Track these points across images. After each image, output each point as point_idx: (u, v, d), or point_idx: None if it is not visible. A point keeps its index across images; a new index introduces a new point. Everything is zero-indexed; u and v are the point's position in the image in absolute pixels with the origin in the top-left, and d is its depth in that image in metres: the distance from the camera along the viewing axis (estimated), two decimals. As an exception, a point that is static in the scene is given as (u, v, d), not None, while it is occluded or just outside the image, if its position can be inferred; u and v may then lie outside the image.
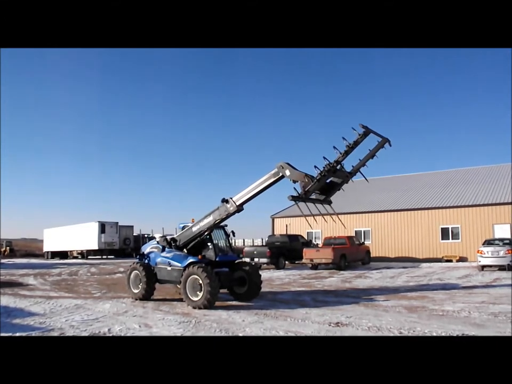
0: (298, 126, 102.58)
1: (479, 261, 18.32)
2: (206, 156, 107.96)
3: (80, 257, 38.80)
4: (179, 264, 10.50)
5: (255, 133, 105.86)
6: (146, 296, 11.02)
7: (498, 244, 18.63)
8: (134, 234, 39.73)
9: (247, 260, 20.48)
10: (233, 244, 13.17)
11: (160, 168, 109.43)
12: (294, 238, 24.41)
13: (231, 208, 10.11)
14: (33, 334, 7.28)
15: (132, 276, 11.38)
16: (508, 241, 18.96)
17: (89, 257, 37.62)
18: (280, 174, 9.60)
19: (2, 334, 7.12)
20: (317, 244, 26.81)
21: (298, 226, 30.53)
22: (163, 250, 11.22)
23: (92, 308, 10.01)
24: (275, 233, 30.41)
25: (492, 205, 24.40)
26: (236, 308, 9.68)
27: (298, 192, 9.47)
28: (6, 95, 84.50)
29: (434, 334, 6.79)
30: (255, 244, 43.71)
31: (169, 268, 10.82)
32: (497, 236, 22.83)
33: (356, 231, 28.32)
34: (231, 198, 10.17)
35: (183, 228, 11.29)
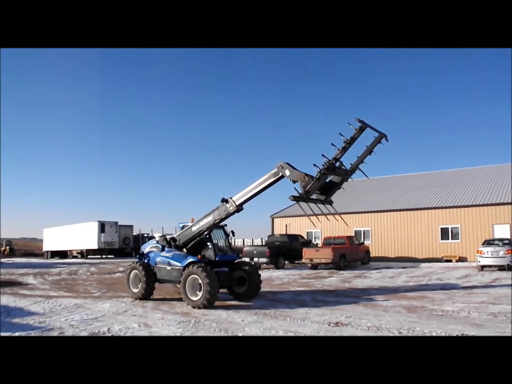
0: (298, 126, 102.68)
1: (479, 261, 18.32)
2: (206, 156, 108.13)
3: (79, 256, 38.77)
4: (179, 264, 10.50)
5: (255, 133, 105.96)
6: (146, 295, 11.02)
7: (498, 244, 18.63)
8: (134, 233, 39.73)
9: (247, 259, 20.47)
10: (232, 244, 13.18)
11: (160, 168, 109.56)
12: (294, 237, 24.41)
13: (231, 208, 10.11)
14: (33, 333, 7.29)
15: (131, 275, 11.38)
16: (507, 242, 18.97)
17: (88, 256, 37.60)
18: (280, 174, 9.59)
19: (2, 334, 7.12)
20: (317, 243, 26.81)
21: (297, 226, 30.53)
22: (163, 249, 11.22)
23: (91, 307, 10.01)
24: (275, 233, 30.41)
25: (491, 205, 24.40)
26: (236, 308, 9.68)
27: (299, 192, 9.47)
28: (6, 95, 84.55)
29: (434, 334, 6.79)
30: (255, 244, 43.71)
31: (168, 268, 10.82)
32: (497, 236, 22.80)
33: (355, 231, 28.32)
34: (231, 198, 10.18)
35: (183, 227, 11.29)
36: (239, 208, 10.12)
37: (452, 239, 25.53)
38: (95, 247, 36.07)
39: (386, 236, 27.78)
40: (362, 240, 26.06)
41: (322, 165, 9.51)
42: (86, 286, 14.97)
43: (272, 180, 9.73)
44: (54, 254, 41.30)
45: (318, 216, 9.71)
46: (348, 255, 21.31)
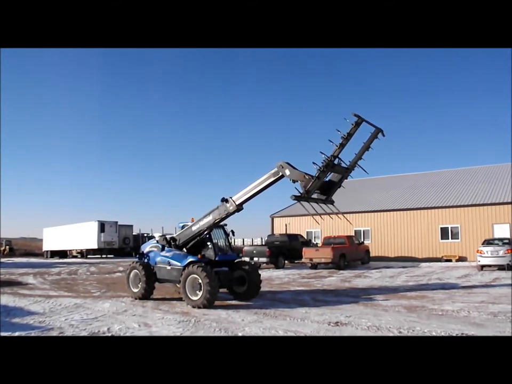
0: (298, 126, 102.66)
1: (479, 261, 18.32)
2: (206, 156, 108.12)
3: (79, 256, 38.76)
4: (178, 264, 10.50)
5: (255, 133, 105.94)
6: (146, 295, 11.02)
7: (497, 244, 18.63)
8: (134, 233, 39.77)
9: (247, 259, 20.49)
10: (232, 243, 13.17)
11: (160, 168, 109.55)
12: (294, 237, 24.42)
13: (231, 208, 10.12)
14: (33, 333, 7.29)
15: (131, 275, 11.38)
16: (507, 241, 18.97)
17: (88, 256, 37.61)
18: (280, 174, 9.60)
19: (2, 334, 7.12)
20: (317, 243, 26.82)
21: (297, 226, 30.54)
22: (163, 249, 11.23)
23: (91, 307, 10.01)
24: (274, 232, 30.41)
25: (491, 205, 24.41)
26: (235, 307, 9.69)
27: (300, 192, 9.48)
28: (6, 95, 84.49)
29: (434, 334, 6.80)
30: (255, 243, 43.68)
31: (168, 267, 10.82)
32: (496, 236, 22.82)
33: (355, 230, 28.32)
34: (231, 198, 10.18)
35: (183, 227, 11.29)
36: (239, 207, 10.13)
37: (451, 238, 25.53)
38: (95, 246, 36.08)
39: (386, 236, 27.78)
40: (362, 240, 26.08)
41: (322, 163, 9.51)
42: (86, 286, 14.97)
43: (272, 179, 9.73)
44: (54, 253, 41.30)
45: (321, 216, 9.72)
46: (347, 255, 21.31)
